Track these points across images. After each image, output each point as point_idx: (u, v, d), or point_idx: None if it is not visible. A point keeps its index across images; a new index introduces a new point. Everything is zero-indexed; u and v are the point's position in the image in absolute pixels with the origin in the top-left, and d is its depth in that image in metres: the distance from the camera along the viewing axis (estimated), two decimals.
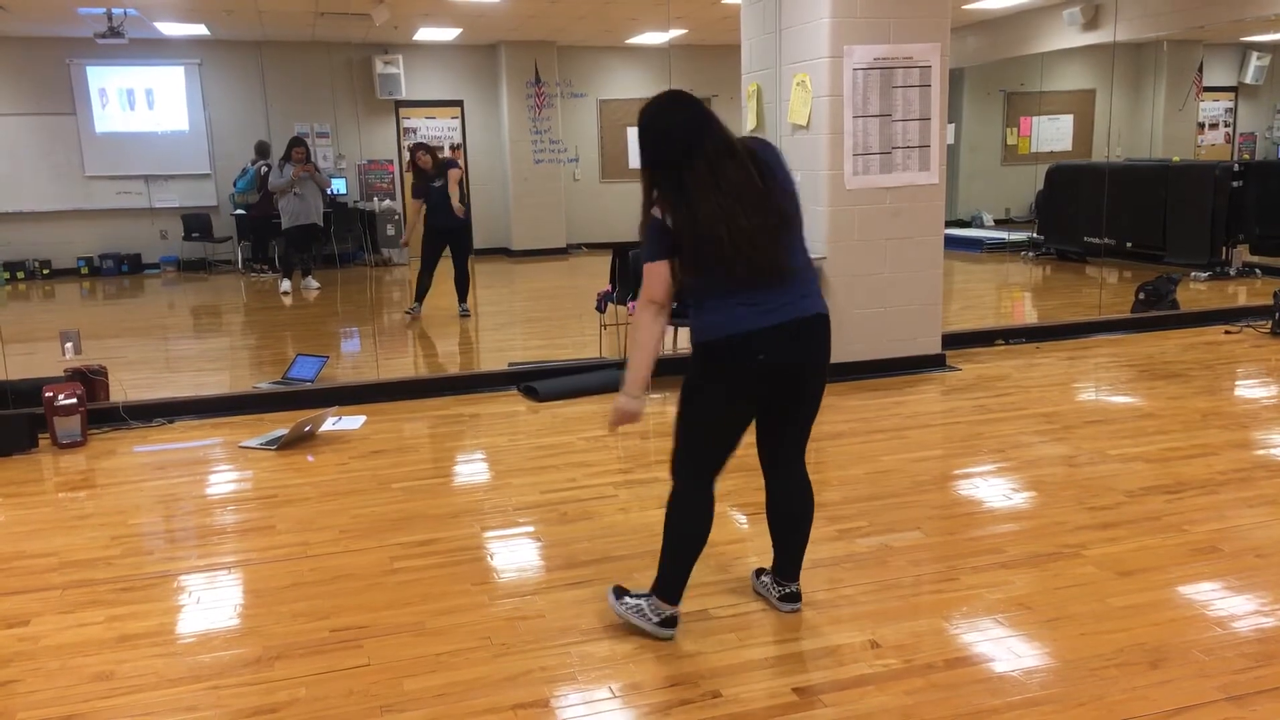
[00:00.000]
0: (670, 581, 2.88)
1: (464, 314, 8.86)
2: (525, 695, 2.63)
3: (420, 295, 8.87)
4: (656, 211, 2.71)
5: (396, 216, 12.83)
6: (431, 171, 8.68)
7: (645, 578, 3.30)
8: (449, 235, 8.82)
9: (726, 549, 3.53)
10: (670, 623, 2.89)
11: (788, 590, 3.05)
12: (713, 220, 2.62)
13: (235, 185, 12.48)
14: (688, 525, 2.85)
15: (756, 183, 2.68)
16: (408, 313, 8.89)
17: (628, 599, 2.98)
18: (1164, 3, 10.88)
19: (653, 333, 2.74)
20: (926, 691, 2.59)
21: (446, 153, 13.57)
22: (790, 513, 3.00)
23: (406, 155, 12.65)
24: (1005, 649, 2.80)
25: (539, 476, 4.44)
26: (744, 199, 2.65)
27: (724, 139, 2.69)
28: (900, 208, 6.05)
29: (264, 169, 11.91)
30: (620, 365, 6.21)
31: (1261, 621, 2.91)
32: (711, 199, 2.63)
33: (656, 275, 2.72)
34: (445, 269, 8.87)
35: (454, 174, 8.73)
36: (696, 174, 2.64)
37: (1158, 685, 2.59)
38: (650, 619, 2.90)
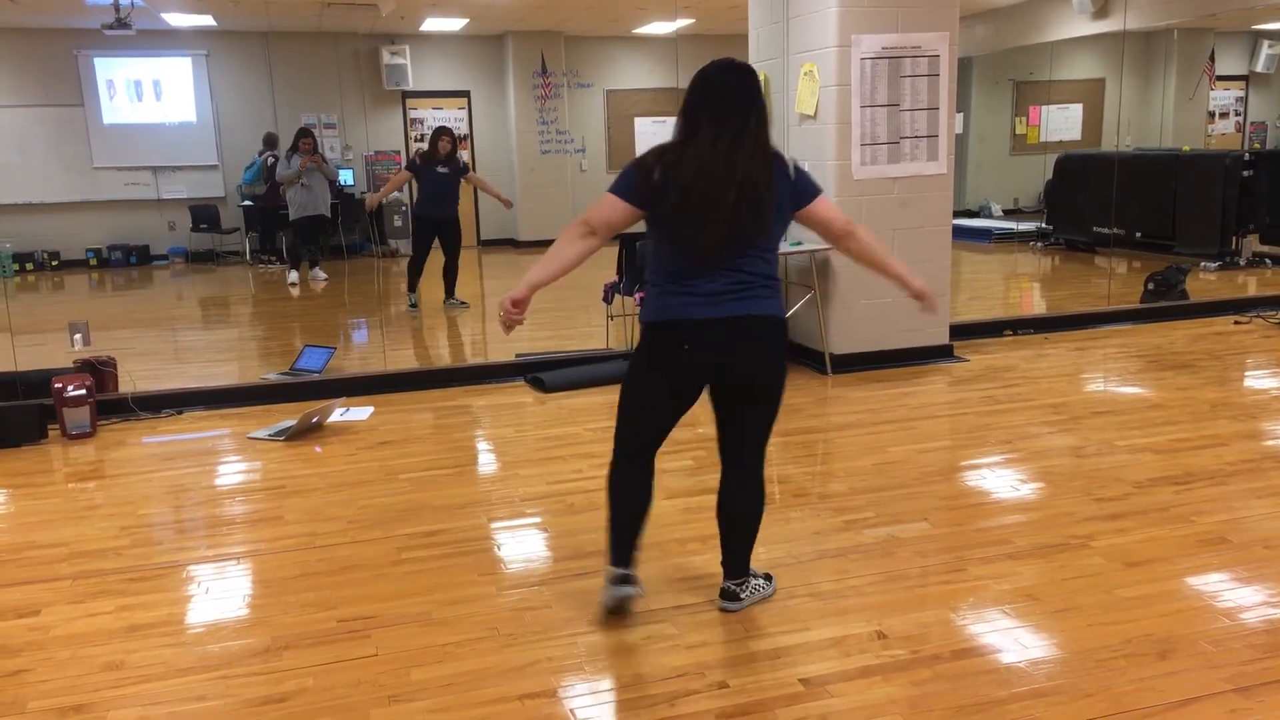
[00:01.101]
0: (611, 543, 2.94)
1: (458, 304, 8.85)
2: (532, 685, 2.64)
3: (412, 285, 8.83)
4: (650, 157, 2.73)
5: (404, 208, 12.82)
6: (442, 158, 8.64)
7: (652, 568, 3.31)
8: (439, 226, 8.78)
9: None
10: (616, 580, 2.91)
11: (726, 586, 3.02)
12: (691, 171, 2.65)
13: (243, 176, 12.49)
14: (612, 493, 2.94)
15: (754, 182, 2.66)
16: (411, 307, 8.90)
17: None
18: None
19: (565, 250, 2.81)
20: (933, 682, 2.59)
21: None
22: (732, 510, 2.97)
23: (414, 146, 12.69)
24: (1012, 640, 2.80)
25: (546, 467, 4.44)
26: (726, 178, 2.64)
27: (751, 123, 2.69)
28: (908, 198, 6.03)
29: (271, 160, 11.90)
30: (626, 357, 6.21)
31: (1269, 613, 2.91)
32: (703, 154, 2.65)
33: (605, 203, 2.76)
34: (438, 261, 8.86)
35: (474, 176, 8.79)
36: (708, 132, 2.66)
37: (1165, 676, 2.58)
38: (606, 585, 2.94)
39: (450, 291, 8.91)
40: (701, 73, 2.75)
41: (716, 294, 2.71)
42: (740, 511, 2.98)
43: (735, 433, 2.90)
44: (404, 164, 9.59)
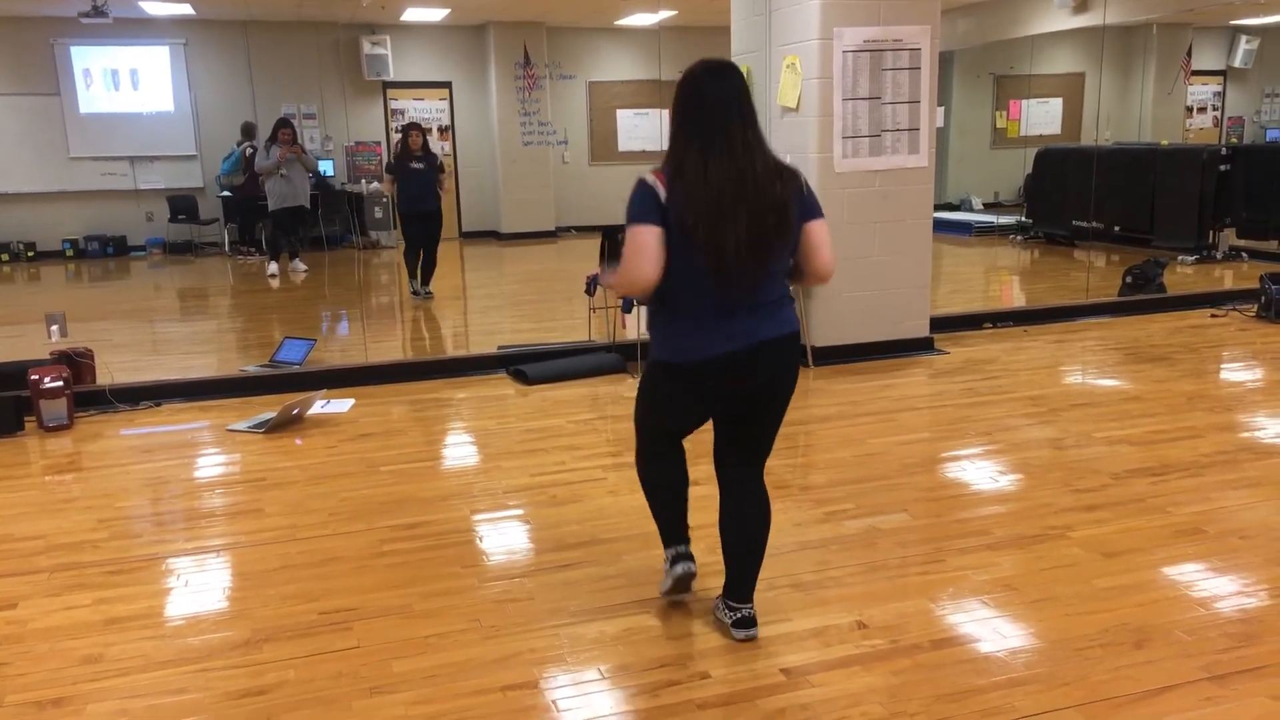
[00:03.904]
0: (660, 526, 2.97)
1: (426, 295, 8.92)
2: (514, 677, 2.64)
3: (413, 272, 9.01)
4: (650, 177, 2.57)
5: (384, 199, 12.77)
6: (417, 152, 8.69)
7: (634, 560, 3.33)
8: (424, 219, 8.85)
9: (714, 531, 3.54)
10: (678, 559, 2.94)
11: (740, 614, 2.81)
12: (711, 189, 2.49)
13: (221, 167, 12.40)
14: (647, 479, 2.95)
15: (774, 193, 2.54)
16: (414, 294, 8.95)
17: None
18: None
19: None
20: (913, 671, 2.61)
21: (435, 135, 13.55)
22: (741, 528, 2.80)
23: (394, 137, 12.62)
24: (991, 629, 2.83)
25: (528, 459, 4.44)
26: (743, 197, 2.50)
27: (753, 130, 2.57)
28: (889, 191, 6.05)
29: (249, 150, 11.84)
30: (609, 349, 6.21)
31: (1244, 602, 2.94)
32: (720, 170, 2.50)
33: (642, 242, 2.50)
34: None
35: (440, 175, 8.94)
36: (716, 146, 2.52)
37: (1141, 665, 2.61)
38: (666, 565, 2.99)
39: (425, 280, 9.00)
40: (692, 82, 2.58)
41: (738, 326, 2.57)
42: (752, 530, 2.80)
43: (743, 445, 2.78)
44: (384, 168, 9.83)
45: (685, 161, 2.54)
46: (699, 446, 2.96)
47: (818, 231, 2.66)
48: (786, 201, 2.57)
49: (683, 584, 2.98)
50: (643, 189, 2.56)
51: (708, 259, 2.51)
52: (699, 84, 2.58)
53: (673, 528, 2.95)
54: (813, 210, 2.66)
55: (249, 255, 12.06)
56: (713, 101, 2.55)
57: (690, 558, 2.95)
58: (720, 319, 2.58)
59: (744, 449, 2.80)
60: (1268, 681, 2.52)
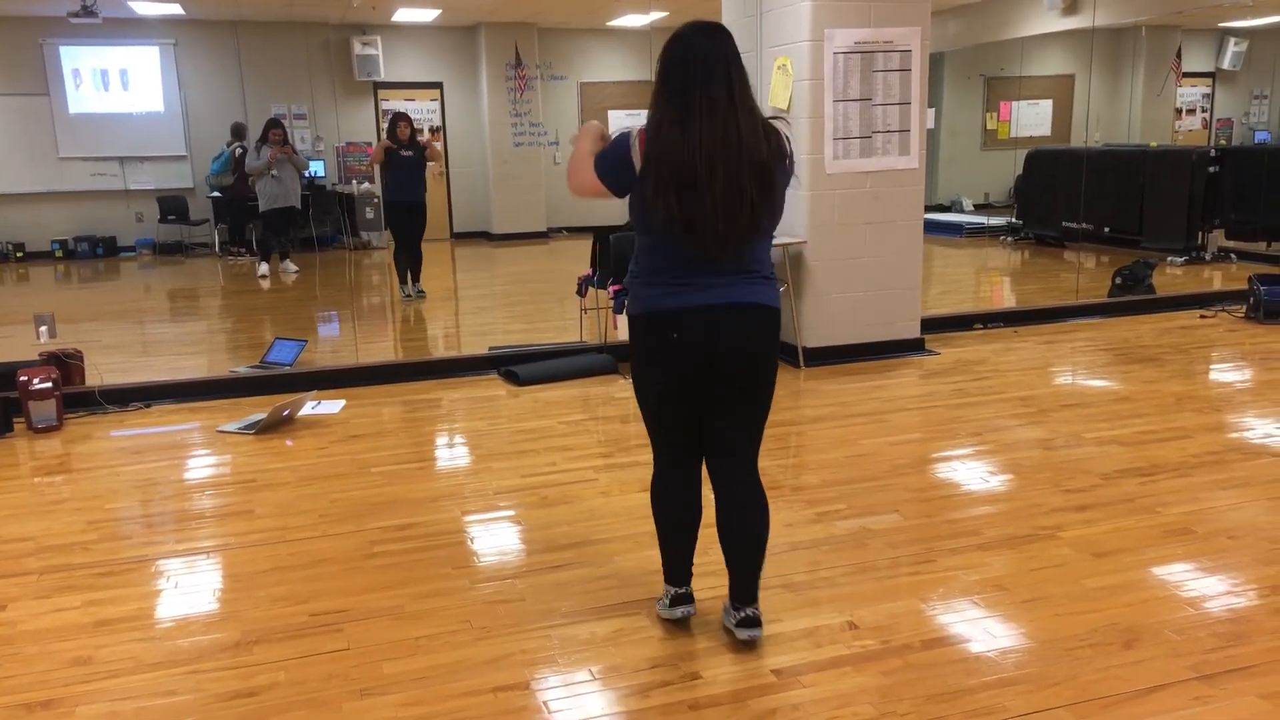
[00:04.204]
0: (664, 561, 2.89)
1: (418, 295, 8.91)
2: (505, 678, 2.64)
3: (403, 276, 8.97)
4: (634, 132, 2.52)
5: (375, 200, 12.74)
6: (404, 141, 8.69)
7: (626, 561, 3.33)
8: (410, 211, 8.84)
9: (704, 531, 3.54)
10: (676, 601, 2.85)
11: (744, 614, 2.74)
12: (695, 148, 2.43)
13: (210, 168, 12.38)
14: (656, 504, 2.86)
15: (760, 153, 2.47)
16: (406, 298, 8.91)
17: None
18: None
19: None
20: (903, 672, 2.62)
21: (425, 136, 13.53)
22: (738, 527, 2.71)
23: (385, 127, 12.61)
24: (981, 630, 2.83)
25: (519, 460, 4.44)
26: (735, 151, 2.44)
27: (740, 88, 2.48)
28: (880, 192, 6.06)
29: (239, 151, 11.83)
30: (600, 350, 6.21)
31: (1233, 602, 2.96)
32: (699, 128, 2.43)
33: (582, 170, 2.62)
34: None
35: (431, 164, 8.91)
36: (698, 104, 2.44)
37: (1131, 665, 2.62)
38: (664, 602, 2.90)
39: (415, 278, 8.97)
40: (679, 39, 2.52)
41: (711, 282, 2.54)
42: (749, 528, 2.72)
43: (720, 430, 2.69)
44: (376, 142, 9.86)
45: (664, 118, 2.48)
46: None
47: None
48: (769, 163, 2.49)
49: (680, 623, 2.89)
50: (621, 145, 2.55)
51: (679, 219, 2.46)
52: (687, 40, 2.51)
53: (674, 565, 2.86)
54: (791, 171, 2.63)
55: (239, 255, 12.03)
56: (701, 58, 2.47)
57: (689, 600, 2.87)
58: (688, 277, 2.55)
59: (722, 432, 2.69)
60: (1257, 681, 2.54)
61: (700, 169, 2.43)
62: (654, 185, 2.47)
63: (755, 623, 2.74)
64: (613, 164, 2.58)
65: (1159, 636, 2.76)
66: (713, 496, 2.77)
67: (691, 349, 2.58)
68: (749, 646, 2.74)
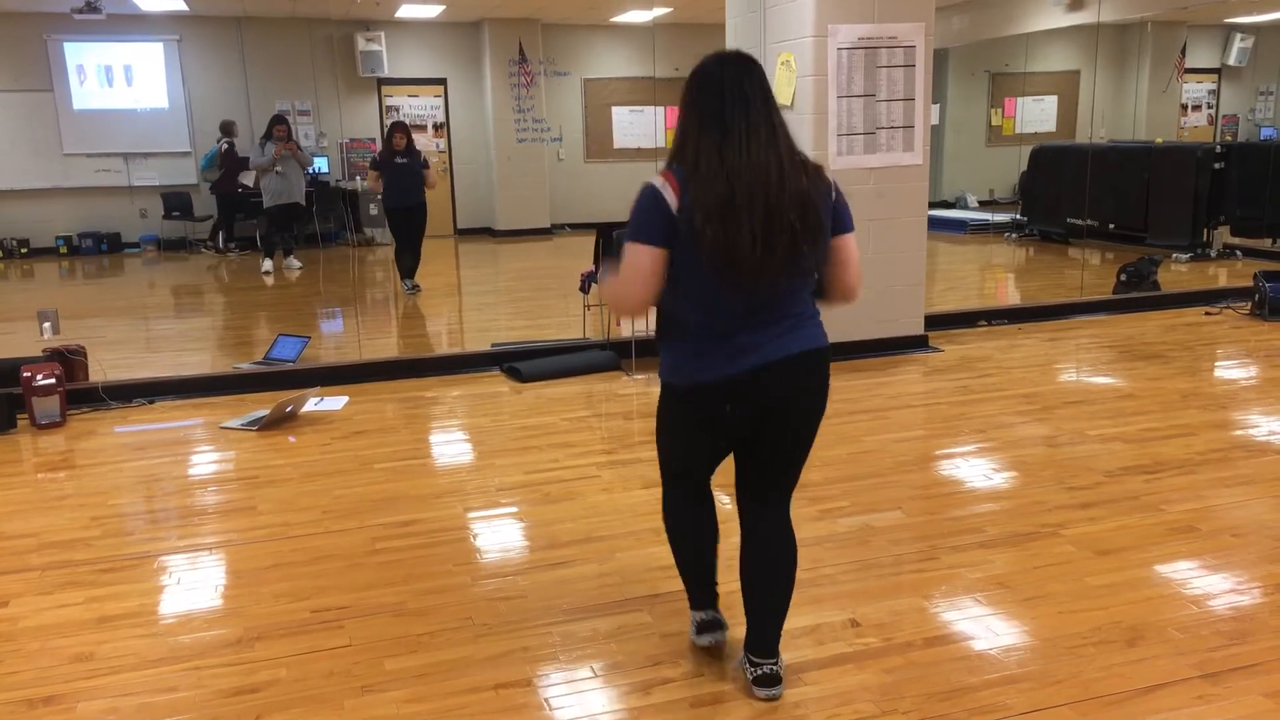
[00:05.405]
0: (687, 587, 2.72)
1: (413, 290, 9.02)
2: (507, 675, 2.64)
3: (404, 273, 9.11)
4: (658, 179, 2.28)
5: (379, 196, 12.78)
6: (400, 150, 8.81)
7: (628, 558, 3.32)
8: (409, 213, 8.96)
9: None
10: (704, 628, 2.68)
11: (762, 671, 2.50)
12: (733, 186, 2.21)
13: (199, 163, 12.46)
14: (674, 530, 2.67)
15: (803, 191, 2.28)
16: (408, 292, 9.01)
17: None
18: None
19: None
20: (906, 669, 2.61)
21: (430, 132, 13.59)
22: (768, 580, 2.51)
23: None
24: (984, 627, 2.83)
25: (522, 457, 4.44)
26: (764, 193, 2.23)
27: (778, 123, 2.32)
28: (884, 188, 6.05)
29: (224, 146, 11.88)
30: (603, 346, 6.21)
31: (1237, 600, 2.95)
32: (736, 161, 2.23)
33: (637, 263, 2.27)
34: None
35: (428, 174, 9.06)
36: (734, 135, 2.25)
37: (1134, 663, 2.61)
38: (691, 629, 2.74)
39: (411, 274, 9.11)
40: (707, 69, 2.33)
41: (756, 339, 2.31)
42: (776, 569, 2.51)
43: (765, 471, 2.49)
44: (369, 164, 10.11)
45: (700, 154, 2.26)
46: (719, 475, 2.77)
47: (849, 246, 2.40)
48: (813, 199, 2.29)
49: (710, 648, 2.72)
50: (649, 197, 2.27)
51: (718, 261, 2.22)
52: (716, 71, 2.31)
53: (696, 590, 2.69)
54: (845, 222, 2.40)
55: (210, 248, 12.16)
56: (732, 88, 2.28)
57: (718, 626, 2.67)
58: (724, 338, 2.32)
59: (756, 481, 2.52)
60: (1260, 679, 2.53)
61: (739, 196, 2.23)
62: (701, 214, 2.22)
63: (776, 680, 2.50)
64: (648, 216, 2.27)
65: (1162, 634, 2.75)
66: (739, 535, 2.58)
67: (742, 418, 2.40)
68: (769, 700, 2.50)
